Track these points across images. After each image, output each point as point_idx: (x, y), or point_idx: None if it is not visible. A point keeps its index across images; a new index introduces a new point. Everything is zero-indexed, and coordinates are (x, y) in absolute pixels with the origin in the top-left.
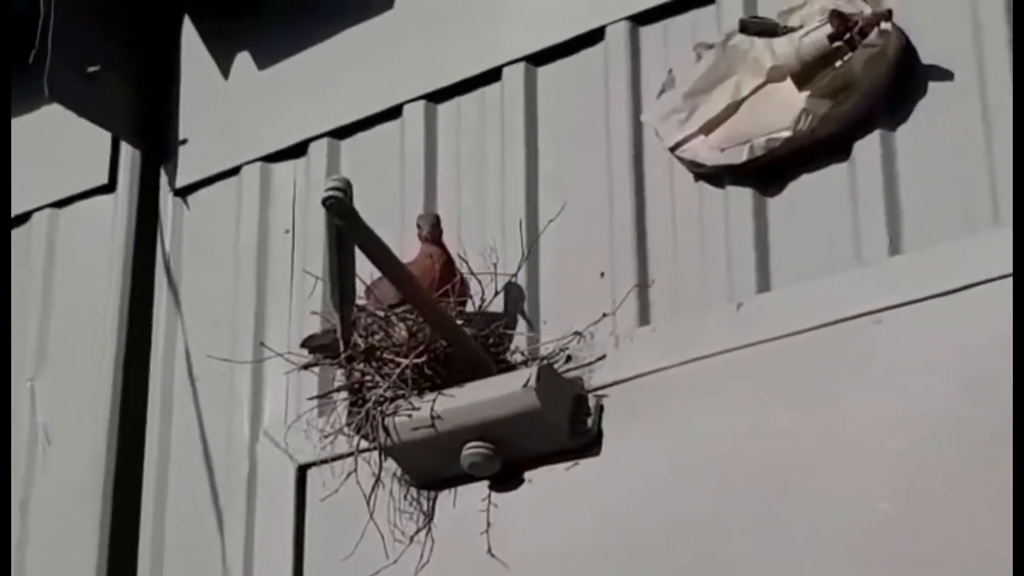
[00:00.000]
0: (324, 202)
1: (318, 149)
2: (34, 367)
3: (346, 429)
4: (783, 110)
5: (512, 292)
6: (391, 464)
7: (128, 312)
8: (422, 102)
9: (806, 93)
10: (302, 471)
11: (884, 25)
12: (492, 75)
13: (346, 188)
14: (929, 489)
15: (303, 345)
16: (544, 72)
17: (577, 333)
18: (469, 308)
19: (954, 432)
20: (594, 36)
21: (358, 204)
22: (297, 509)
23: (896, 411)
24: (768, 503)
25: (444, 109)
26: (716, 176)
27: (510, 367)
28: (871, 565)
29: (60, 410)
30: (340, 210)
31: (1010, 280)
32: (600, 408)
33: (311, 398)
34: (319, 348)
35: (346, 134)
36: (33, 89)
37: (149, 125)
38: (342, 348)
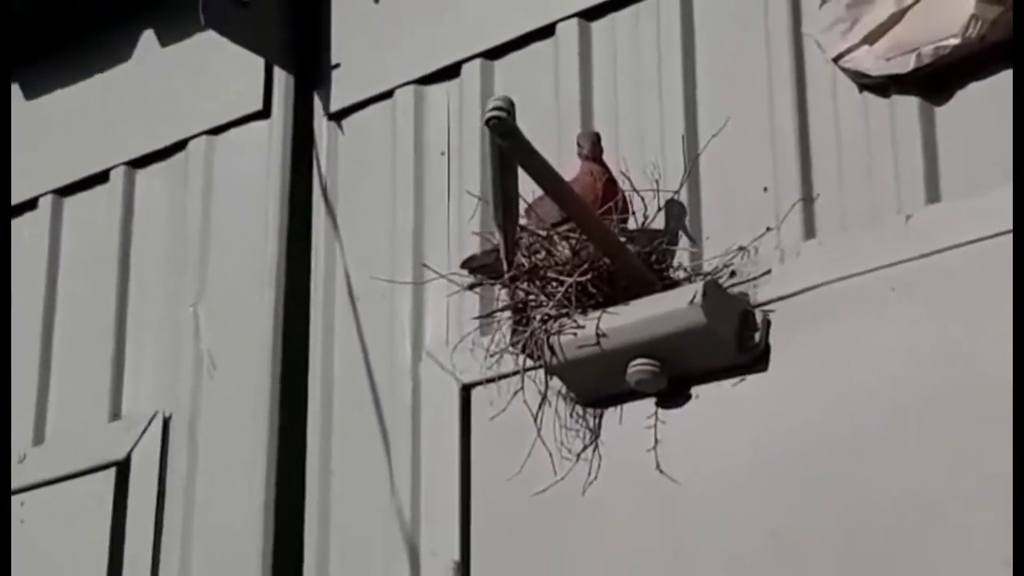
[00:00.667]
0: (487, 122)
1: (471, 71)
2: (196, 293)
3: (511, 348)
4: (951, 16)
5: (674, 209)
6: (557, 382)
7: (287, 236)
8: (576, 20)
9: None
10: (466, 391)
11: None
12: None
13: (509, 108)
14: None
15: (464, 266)
16: None
17: (741, 248)
18: (632, 225)
19: None
20: None
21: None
22: (463, 429)
23: None
24: (944, 423)
25: (598, 26)
26: (881, 86)
27: (674, 284)
28: None
29: (223, 335)
30: (503, 129)
31: None
32: (767, 323)
33: (476, 317)
34: (480, 269)
35: (499, 54)
36: (187, 18)
37: (302, 50)
38: (505, 268)
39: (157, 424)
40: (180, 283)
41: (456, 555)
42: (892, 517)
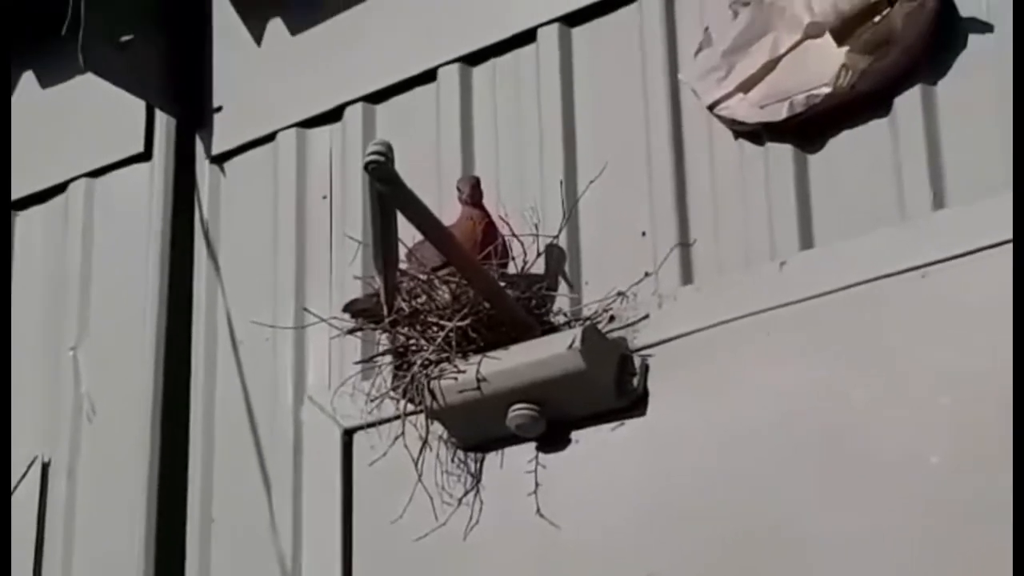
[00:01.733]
0: (366, 167)
1: (353, 114)
2: (76, 336)
3: (392, 393)
4: (822, 66)
5: (554, 253)
6: (438, 427)
7: (168, 280)
8: (457, 65)
9: (845, 48)
10: (348, 435)
11: None
12: (527, 36)
13: (387, 152)
14: (979, 442)
15: (345, 310)
16: (579, 32)
17: (620, 293)
18: (511, 270)
19: (1002, 387)
20: None
21: (396, 168)
22: (344, 473)
23: (945, 365)
24: (817, 462)
25: (479, 71)
26: (756, 134)
27: (554, 328)
28: (923, 520)
29: (103, 379)
30: (382, 174)
31: None
32: (645, 368)
33: (357, 362)
34: (362, 313)
35: (381, 98)
36: (67, 60)
37: (183, 93)
38: (386, 312)
39: (36, 469)
40: (60, 327)
41: None
42: (769, 557)
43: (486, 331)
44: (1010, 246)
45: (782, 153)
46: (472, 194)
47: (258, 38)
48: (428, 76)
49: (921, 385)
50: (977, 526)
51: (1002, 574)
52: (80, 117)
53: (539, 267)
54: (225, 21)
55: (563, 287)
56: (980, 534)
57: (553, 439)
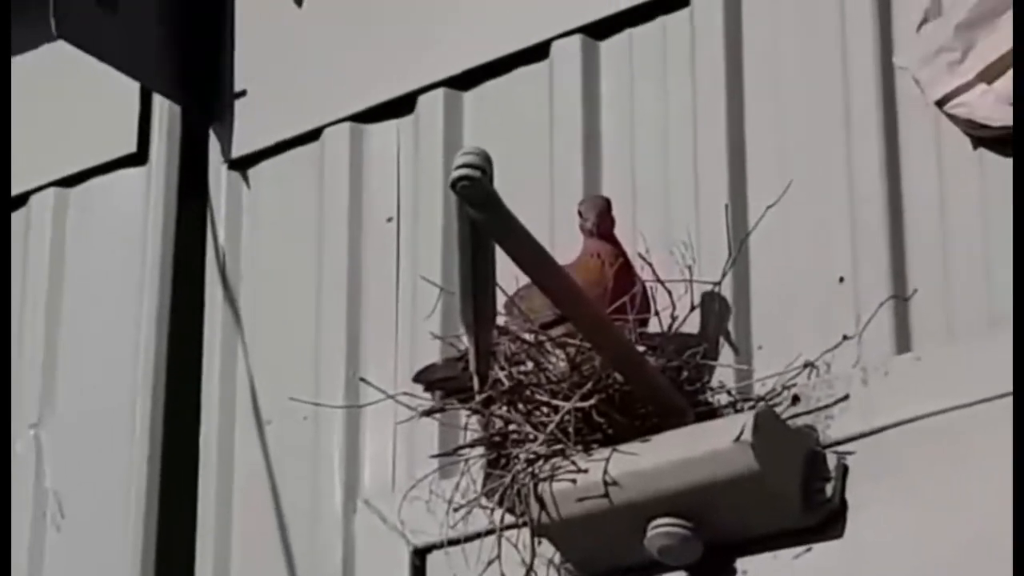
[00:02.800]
0: (453, 184)
1: (431, 104)
2: (38, 412)
3: (483, 500)
4: None
5: (714, 305)
6: (547, 548)
7: (168, 334)
8: (578, 37)
9: None
10: (420, 556)
11: None
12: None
13: (484, 164)
14: None
15: (418, 380)
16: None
17: (808, 364)
18: (654, 329)
19: None
20: None
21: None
22: None
23: None
24: None
25: (608, 47)
26: (1003, 141)
27: (713, 413)
28: None
29: (75, 470)
30: (477, 196)
31: None
32: (843, 470)
33: (434, 456)
34: (442, 385)
35: (471, 83)
36: (34, 23)
37: (192, 72)
38: (476, 386)
39: None
40: (19, 403)
41: None
42: None
43: (617, 415)
44: None
45: None
46: (600, 223)
47: None
48: (538, 52)
49: None
50: None
51: None
52: (51, 102)
53: (693, 325)
54: None
55: (727, 354)
56: None
57: (711, 568)
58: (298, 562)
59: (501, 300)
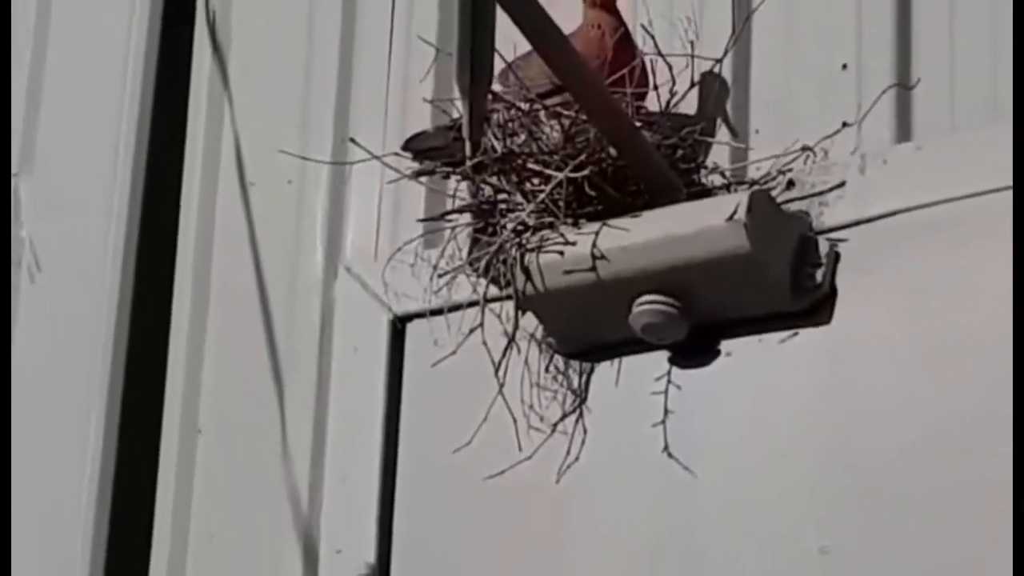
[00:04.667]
0: None
1: None
2: (17, 161)
3: (468, 268)
4: None
5: (714, 85)
6: (531, 321)
7: (154, 88)
8: None
9: None
10: (400, 324)
11: None
12: None
13: None
14: None
15: (408, 147)
16: None
17: (806, 149)
18: (652, 105)
19: None
20: None
21: None
22: (391, 377)
23: None
24: None
25: None
26: None
27: (707, 192)
28: None
29: (53, 224)
30: None
31: None
32: (835, 257)
33: (421, 220)
34: (431, 152)
35: None
36: None
37: None
38: (468, 152)
39: None
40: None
41: (371, 556)
42: (992, 521)
43: (610, 190)
44: None
45: None
46: None
47: None
48: None
49: None
50: None
51: None
52: None
53: (691, 103)
54: None
55: (724, 134)
56: None
57: (695, 349)
58: (276, 327)
59: (498, 66)
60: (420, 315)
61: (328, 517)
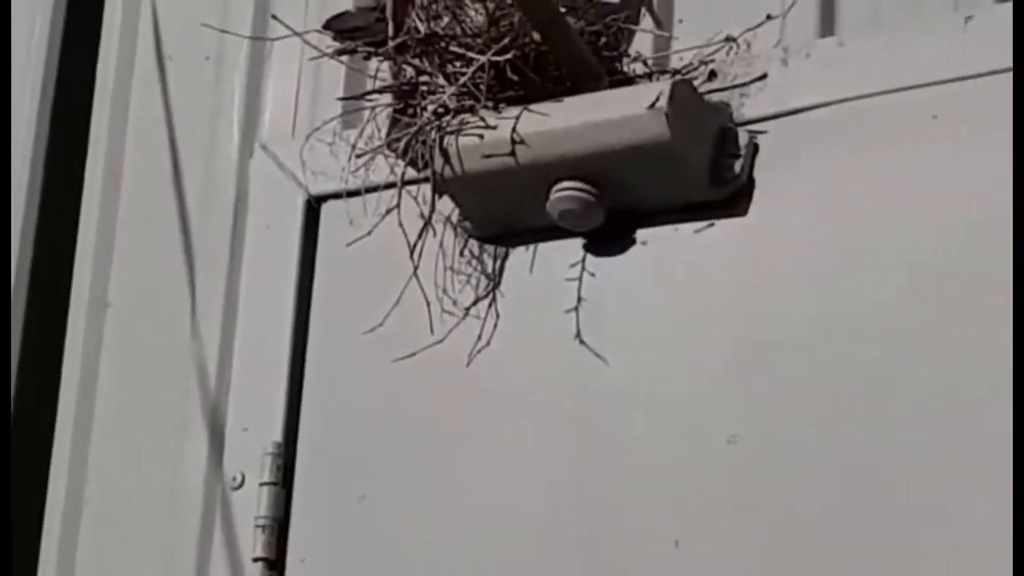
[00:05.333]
0: None
1: None
2: None
3: (387, 149)
4: None
5: None
6: (448, 204)
7: None
8: None
9: None
10: (315, 204)
11: None
12: None
13: None
14: None
15: (329, 26)
16: None
17: (729, 40)
18: None
19: None
20: None
21: None
22: (304, 257)
23: None
24: (984, 295)
25: None
26: None
27: (628, 80)
28: None
29: None
30: None
31: None
32: (754, 149)
33: (340, 98)
34: (353, 32)
35: None
36: None
37: None
38: (391, 33)
39: None
40: None
41: (278, 435)
42: (898, 414)
43: (532, 74)
44: None
45: None
46: None
47: None
48: None
49: None
50: None
51: None
52: None
53: None
54: None
55: (648, 23)
56: None
57: (611, 237)
58: (189, 203)
59: None
60: (336, 195)
61: (236, 395)
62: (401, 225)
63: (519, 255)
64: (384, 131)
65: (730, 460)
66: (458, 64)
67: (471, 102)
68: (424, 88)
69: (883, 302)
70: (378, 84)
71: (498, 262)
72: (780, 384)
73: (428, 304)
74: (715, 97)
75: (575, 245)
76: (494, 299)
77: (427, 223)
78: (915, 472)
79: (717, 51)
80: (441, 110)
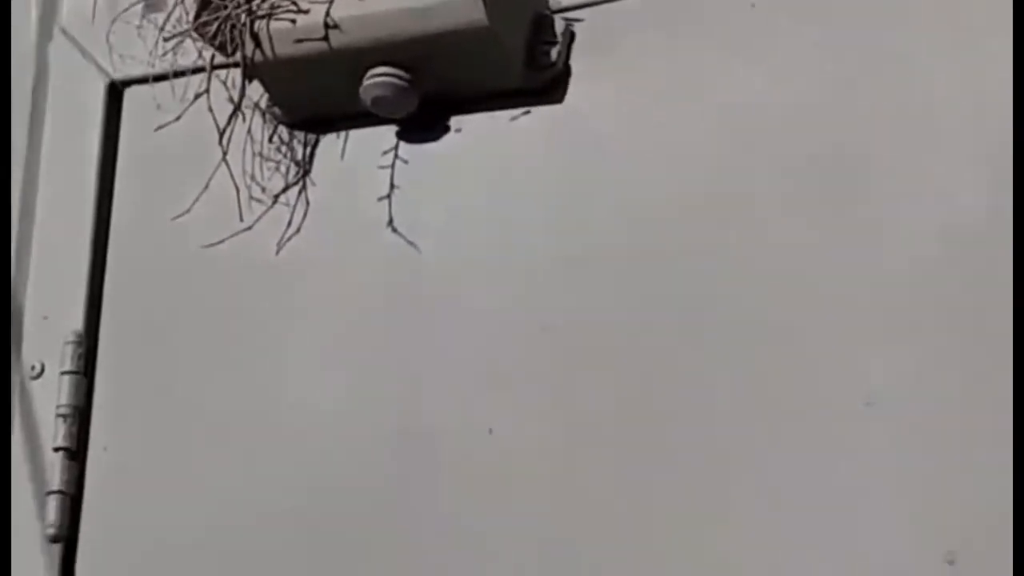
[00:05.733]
0: None
1: None
2: None
3: (195, 32)
4: None
5: None
6: (257, 89)
7: None
8: None
9: None
10: (118, 89)
11: None
12: None
13: None
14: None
15: None
16: None
17: None
18: None
19: None
20: None
21: None
22: (106, 142)
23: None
24: (799, 189)
25: None
26: None
27: None
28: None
29: None
30: None
31: None
32: (570, 36)
33: None
34: None
35: None
36: None
37: None
38: None
39: None
40: None
41: (79, 324)
42: (716, 304)
43: None
44: None
45: None
46: None
47: None
48: None
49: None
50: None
51: None
52: None
53: None
54: None
55: None
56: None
57: (424, 123)
58: None
59: None
60: (143, 80)
61: (35, 282)
62: (211, 110)
63: (330, 142)
64: (193, 14)
65: (544, 349)
66: None
67: None
68: None
69: (697, 190)
70: None
71: (308, 149)
72: (594, 273)
73: (237, 190)
74: None
75: (388, 132)
76: (304, 186)
77: (236, 109)
78: (724, 363)
79: None
80: None
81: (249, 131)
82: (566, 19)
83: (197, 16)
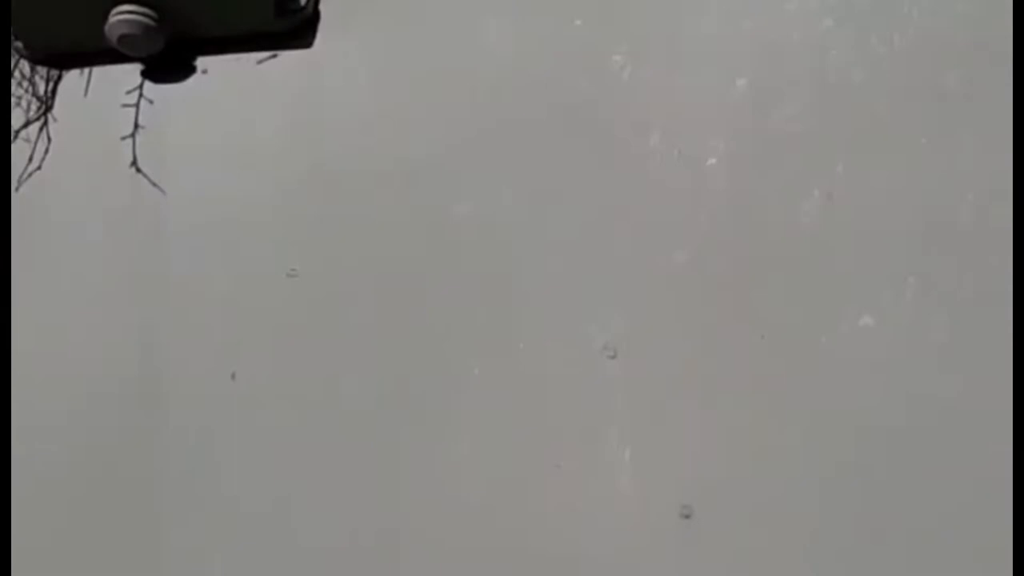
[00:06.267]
0: None
1: None
2: None
3: None
4: None
5: None
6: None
7: None
8: None
9: None
10: None
11: None
12: None
13: None
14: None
15: None
16: None
17: None
18: None
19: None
20: None
21: None
22: None
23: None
24: (547, 141)
25: None
26: None
27: None
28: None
29: None
30: None
31: None
32: None
33: None
34: None
35: None
36: None
37: None
38: None
39: None
40: None
41: None
42: (462, 252)
43: None
44: None
45: None
46: None
47: None
48: None
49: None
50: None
51: None
52: None
53: None
54: None
55: None
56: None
57: (170, 64)
58: None
59: None
60: None
61: None
62: None
63: (73, 79)
64: None
65: (288, 294)
66: None
67: None
68: None
69: (455, 135)
70: None
71: (51, 85)
72: (339, 219)
73: None
74: None
75: (133, 71)
76: (46, 123)
77: None
78: (464, 296)
79: None
80: None
81: None
82: None
83: None
